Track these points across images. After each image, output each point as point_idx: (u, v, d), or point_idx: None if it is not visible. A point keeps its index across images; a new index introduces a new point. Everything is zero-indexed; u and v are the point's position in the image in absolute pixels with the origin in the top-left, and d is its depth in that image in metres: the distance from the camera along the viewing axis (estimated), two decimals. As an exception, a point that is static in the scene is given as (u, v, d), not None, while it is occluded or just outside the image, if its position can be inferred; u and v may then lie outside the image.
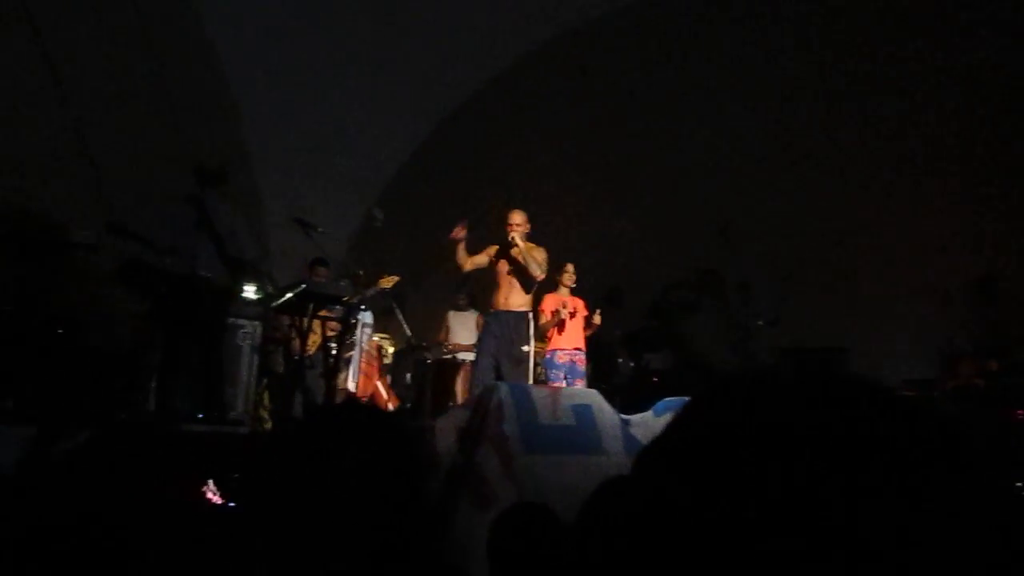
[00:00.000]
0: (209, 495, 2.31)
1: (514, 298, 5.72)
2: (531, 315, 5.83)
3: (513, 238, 5.60)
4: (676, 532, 0.53)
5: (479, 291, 6.99)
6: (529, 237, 5.72)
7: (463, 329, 7.52)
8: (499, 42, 8.00)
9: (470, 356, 6.66)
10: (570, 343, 6.30)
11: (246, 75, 7.72)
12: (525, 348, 5.70)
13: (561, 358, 6.29)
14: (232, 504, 2.76)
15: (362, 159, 8.53)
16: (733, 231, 7.86)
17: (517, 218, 5.65)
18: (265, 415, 6.64)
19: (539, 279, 5.74)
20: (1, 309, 5.53)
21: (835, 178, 7.97)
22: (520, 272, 5.67)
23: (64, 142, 6.68)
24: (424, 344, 7.85)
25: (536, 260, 5.63)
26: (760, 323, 7.39)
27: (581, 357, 6.32)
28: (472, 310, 7.56)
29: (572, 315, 6.30)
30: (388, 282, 6.57)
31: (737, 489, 0.51)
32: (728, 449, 0.53)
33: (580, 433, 4.57)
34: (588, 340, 6.44)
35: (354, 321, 6.52)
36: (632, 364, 7.69)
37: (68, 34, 6.59)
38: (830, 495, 0.49)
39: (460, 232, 5.62)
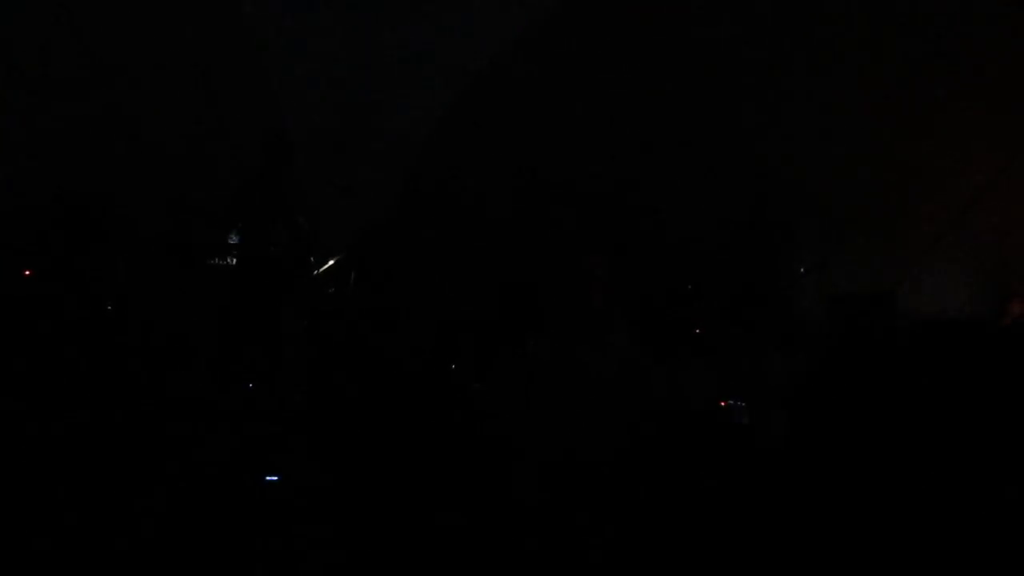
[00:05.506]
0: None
1: None
2: None
3: None
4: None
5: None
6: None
7: None
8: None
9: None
10: None
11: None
12: None
13: None
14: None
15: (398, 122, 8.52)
16: (778, 176, 7.73)
17: None
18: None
19: None
20: (53, 291, 5.67)
21: (884, 115, 7.75)
22: None
23: (108, 124, 6.76)
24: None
25: None
26: (803, 270, 7.28)
27: None
28: None
29: None
30: None
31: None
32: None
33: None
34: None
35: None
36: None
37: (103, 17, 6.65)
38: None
39: None
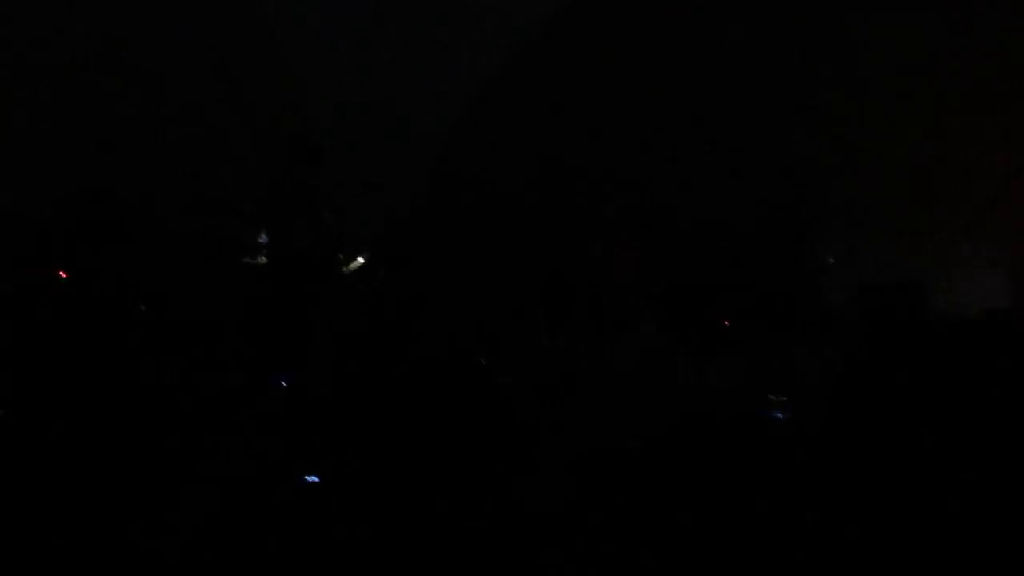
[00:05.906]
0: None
1: None
2: None
3: None
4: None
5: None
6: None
7: None
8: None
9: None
10: None
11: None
12: None
13: None
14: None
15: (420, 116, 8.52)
16: (803, 167, 7.68)
17: None
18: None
19: None
20: (87, 292, 5.71)
21: (910, 105, 7.69)
22: None
23: (131, 123, 6.81)
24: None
25: None
26: (832, 260, 7.24)
27: None
28: None
29: None
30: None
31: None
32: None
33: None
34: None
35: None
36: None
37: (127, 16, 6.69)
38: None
39: None
